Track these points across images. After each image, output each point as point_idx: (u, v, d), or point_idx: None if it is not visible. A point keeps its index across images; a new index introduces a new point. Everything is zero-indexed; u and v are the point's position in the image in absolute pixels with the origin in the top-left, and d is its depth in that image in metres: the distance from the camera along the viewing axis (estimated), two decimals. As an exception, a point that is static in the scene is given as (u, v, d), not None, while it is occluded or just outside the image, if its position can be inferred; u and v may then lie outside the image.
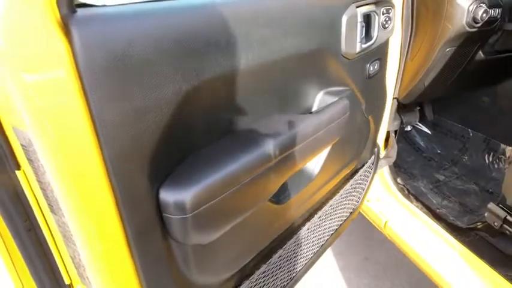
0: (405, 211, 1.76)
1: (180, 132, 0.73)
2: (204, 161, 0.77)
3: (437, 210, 1.78)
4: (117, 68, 0.60)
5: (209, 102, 0.79)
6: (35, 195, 0.67)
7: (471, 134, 2.12)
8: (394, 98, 1.71)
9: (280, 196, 1.04)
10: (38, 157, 0.59)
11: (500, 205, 1.38)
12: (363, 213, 1.90)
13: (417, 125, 2.28)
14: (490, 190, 1.90)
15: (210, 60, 0.74)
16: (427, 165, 2.14)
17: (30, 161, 0.62)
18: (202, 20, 0.73)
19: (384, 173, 1.86)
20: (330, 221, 1.37)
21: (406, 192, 1.86)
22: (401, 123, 2.02)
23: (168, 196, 0.71)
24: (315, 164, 1.15)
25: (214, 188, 0.76)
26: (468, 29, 1.41)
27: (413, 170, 2.09)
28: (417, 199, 1.82)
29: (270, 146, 0.87)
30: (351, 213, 1.53)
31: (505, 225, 1.36)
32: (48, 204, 0.66)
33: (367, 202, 1.85)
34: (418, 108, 2.16)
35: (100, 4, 0.67)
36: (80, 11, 0.59)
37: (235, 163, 0.80)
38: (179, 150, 0.75)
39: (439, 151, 2.22)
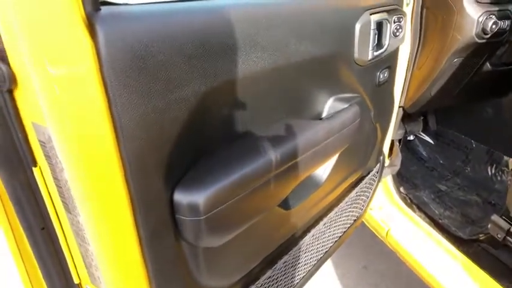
0: (407, 220, 1.76)
1: (196, 134, 0.73)
2: (218, 164, 0.77)
3: (440, 221, 1.78)
4: (138, 67, 0.60)
5: (224, 105, 0.78)
6: (49, 193, 0.66)
7: (474, 145, 2.13)
8: (399, 107, 1.71)
9: (289, 202, 1.04)
10: (56, 154, 0.58)
11: (504, 217, 1.38)
12: (364, 221, 1.89)
13: (420, 134, 2.29)
14: (493, 202, 1.90)
15: (228, 63, 0.74)
16: (429, 175, 2.14)
17: (48, 157, 0.61)
18: (222, 22, 0.73)
19: (387, 181, 1.86)
20: (335, 228, 1.37)
21: (409, 201, 1.86)
22: (405, 132, 2.03)
23: (182, 198, 0.70)
24: (323, 170, 1.15)
25: (228, 191, 0.75)
26: (477, 40, 1.42)
27: (415, 179, 2.09)
28: (419, 209, 1.82)
29: (282, 151, 0.87)
30: (354, 220, 1.52)
31: (508, 238, 1.36)
32: (63, 202, 0.65)
33: (370, 210, 1.85)
34: (422, 117, 2.16)
35: (122, 3, 0.67)
36: (104, 9, 0.59)
37: (248, 167, 0.79)
38: (194, 152, 0.74)
39: (441, 161, 2.23)
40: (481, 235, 1.62)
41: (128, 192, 0.63)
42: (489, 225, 1.43)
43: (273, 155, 0.85)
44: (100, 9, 0.58)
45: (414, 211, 1.79)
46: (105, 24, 0.56)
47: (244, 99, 0.82)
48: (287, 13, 0.88)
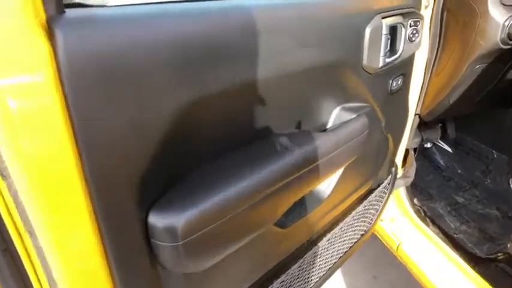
0: (420, 235, 1.66)
1: (175, 151, 0.66)
2: (200, 184, 0.69)
3: (455, 236, 1.67)
4: (105, 78, 0.53)
5: (211, 118, 0.71)
6: (10, 213, 0.60)
7: (495, 156, 2.00)
8: (416, 115, 1.61)
9: (286, 219, 0.96)
10: (9, 173, 0.52)
11: None
12: (374, 232, 1.80)
13: (438, 142, 2.17)
14: None
15: (215, 72, 0.67)
16: (445, 186, 2.03)
17: (3, 177, 0.55)
18: (210, 28, 0.66)
19: (400, 192, 1.77)
20: (339, 244, 1.28)
21: (423, 214, 1.75)
22: (422, 140, 1.92)
23: (157, 221, 0.63)
24: (326, 184, 1.07)
25: (211, 213, 0.68)
26: (502, 46, 1.30)
27: (430, 189, 1.99)
28: (434, 222, 1.72)
29: (277, 167, 0.80)
30: (362, 235, 1.43)
31: (529, 259, 1.26)
32: (23, 225, 0.59)
33: (381, 221, 1.76)
34: (440, 124, 2.05)
35: (97, 4, 0.61)
36: (70, 12, 0.52)
37: (236, 186, 0.72)
38: (172, 170, 0.68)
39: (459, 171, 2.11)
40: (499, 254, 1.52)
41: (93, 216, 0.57)
42: (508, 245, 1.33)
43: (265, 171, 0.77)
44: (64, 12, 0.51)
45: (428, 225, 1.69)
46: (68, 29, 0.50)
47: (233, 112, 0.75)
48: (288, 17, 0.80)
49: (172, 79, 0.61)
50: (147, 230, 0.64)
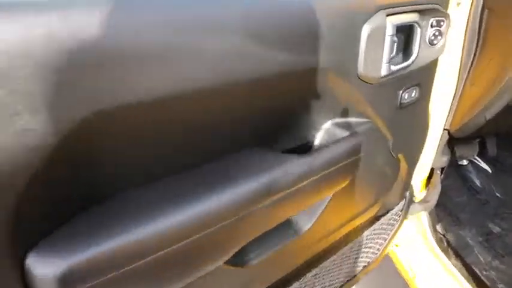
0: (440, 269, 1.43)
1: (75, 177, 0.52)
2: (107, 218, 0.55)
3: (484, 272, 1.43)
4: None
5: (134, 132, 0.56)
6: None
7: None
8: (444, 130, 1.38)
9: (248, 255, 0.80)
10: None
11: None
12: (389, 254, 1.59)
13: (475, 159, 1.89)
14: None
15: (143, 75, 0.52)
16: (480, 210, 1.76)
17: None
18: (130, 19, 0.50)
19: (420, 214, 1.54)
20: (331, 278, 1.10)
21: (445, 244, 1.52)
22: (454, 156, 1.66)
23: (35, 266, 0.49)
24: (308, 214, 0.89)
25: (118, 255, 0.53)
26: None
27: (461, 213, 1.73)
28: (458, 254, 1.48)
29: (225, 197, 0.63)
30: (364, 266, 1.24)
31: None
32: None
33: (395, 247, 1.54)
34: (478, 139, 1.78)
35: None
36: None
37: (163, 219, 0.57)
38: (72, 201, 0.53)
39: (498, 194, 1.83)
40: (535, 302, 1.27)
41: None
42: None
43: (205, 203, 0.61)
44: None
45: (450, 258, 1.46)
46: None
47: (168, 126, 0.59)
48: (254, 9, 0.63)
49: (65, 82, 0.46)
50: (24, 277, 0.51)
